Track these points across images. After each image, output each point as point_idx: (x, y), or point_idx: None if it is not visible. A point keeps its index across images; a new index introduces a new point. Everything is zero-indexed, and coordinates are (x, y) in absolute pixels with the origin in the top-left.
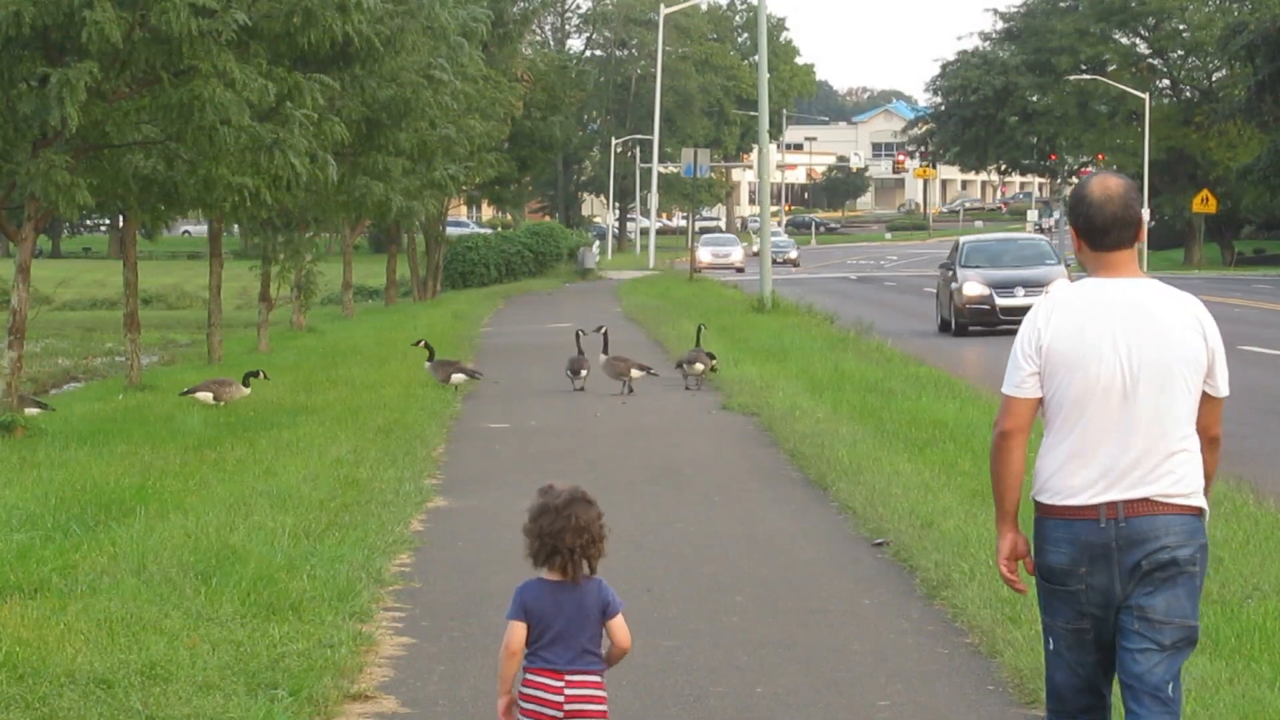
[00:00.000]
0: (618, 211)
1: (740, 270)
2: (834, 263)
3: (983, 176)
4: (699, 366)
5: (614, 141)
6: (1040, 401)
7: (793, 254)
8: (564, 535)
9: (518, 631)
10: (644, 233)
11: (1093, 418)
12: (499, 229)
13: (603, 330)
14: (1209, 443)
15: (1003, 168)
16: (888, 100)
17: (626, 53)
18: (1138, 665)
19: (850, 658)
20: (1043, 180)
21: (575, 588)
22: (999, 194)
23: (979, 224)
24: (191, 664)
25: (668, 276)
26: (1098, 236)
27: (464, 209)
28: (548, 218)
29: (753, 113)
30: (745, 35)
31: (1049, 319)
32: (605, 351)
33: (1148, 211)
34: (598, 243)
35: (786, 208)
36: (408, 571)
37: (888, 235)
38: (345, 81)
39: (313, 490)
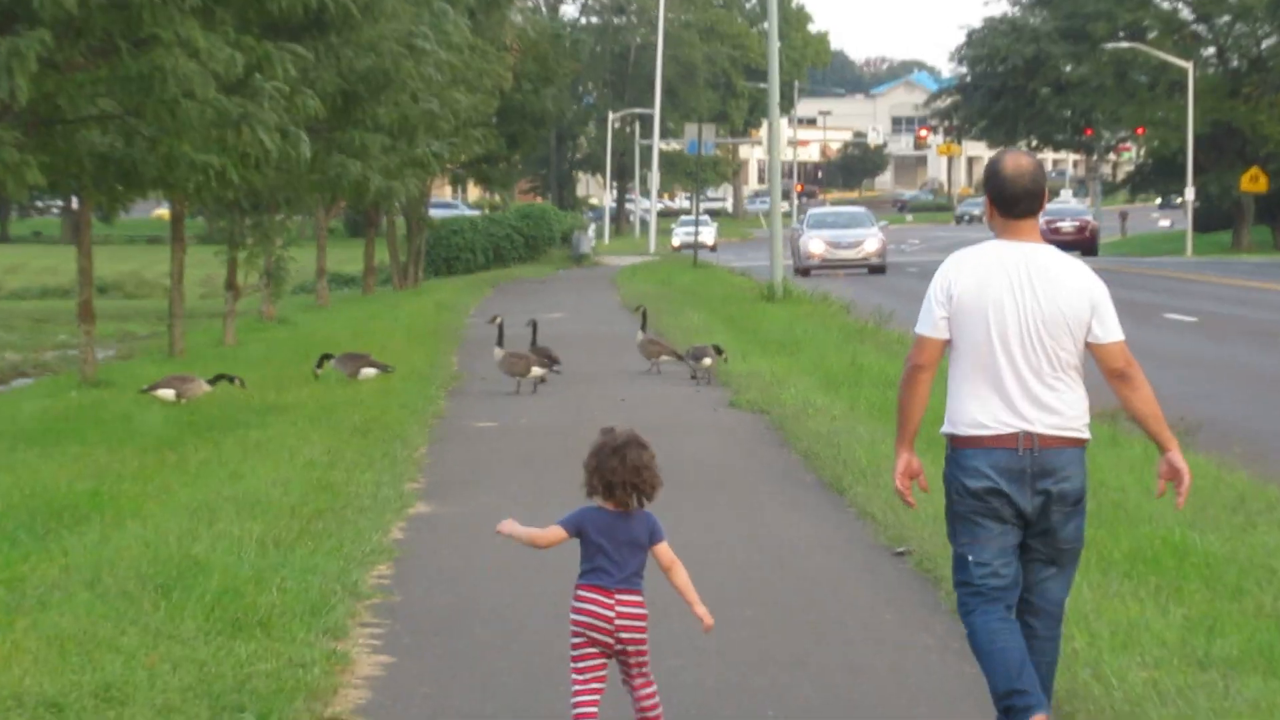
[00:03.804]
0: (615, 192)
1: (879, 269)
2: None
3: None
4: (707, 361)
5: (611, 116)
6: (947, 343)
7: (708, 238)
8: (618, 472)
9: (556, 533)
10: (645, 215)
11: (997, 360)
12: (486, 211)
13: (498, 321)
14: (1119, 378)
15: (1034, 143)
16: (909, 71)
17: (625, 19)
18: (1044, 585)
19: (869, 677)
20: (1078, 157)
21: (628, 517)
22: None
23: None
24: (150, 685)
25: (669, 262)
26: (1009, 205)
27: (448, 189)
28: (539, 199)
29: (762, 84)
30: (753, 0)
31: (959, 272)
32: (500, 344)
33: (1192, 191)
34: (593, 226)
35: (798, 187)
36: (387, 584)
37: (908, 218)
38: (319, 51)
39: (283, 495)
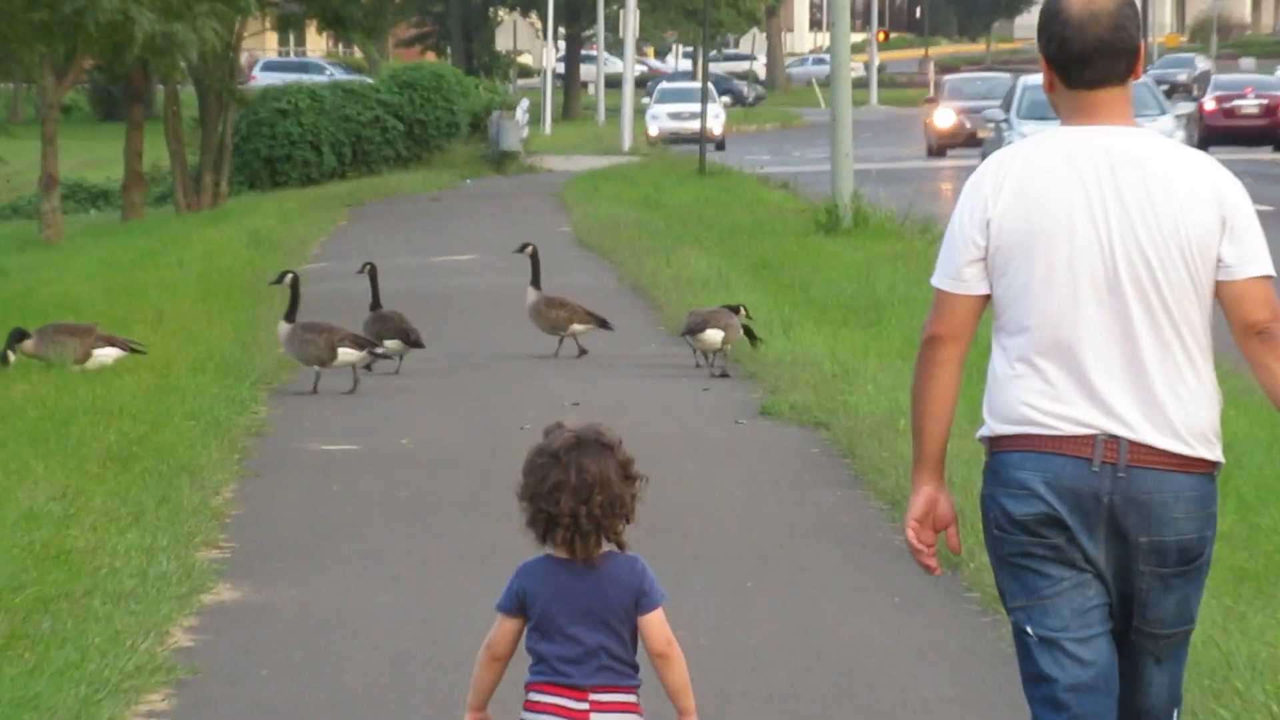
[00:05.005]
0: (563, 46)
1: None
2: None
3: None
4: (713, 335)
5: None
6: (984, 301)
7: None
8: (562, 494)
9: (504, 630)
10: (611, 84)
11: (1064, 319)
12: (338, 76)
13: (289, 278)
14: (1259, 336)
15: None
16: None
17: None
18: (1139, 689)
19: None
20: None
21: (592, 568)
22: None
23: (1246, 62)
24: None
25: (656, 165)
26: (1075, 68)
27: (273, 39)
28: (431, 56)
29: None
30: None
31: (1001, 181)
32: (290, 318)
33: None
34: (525, 103)
35: (881, 35)
36: None
37: None
38: None
39: None
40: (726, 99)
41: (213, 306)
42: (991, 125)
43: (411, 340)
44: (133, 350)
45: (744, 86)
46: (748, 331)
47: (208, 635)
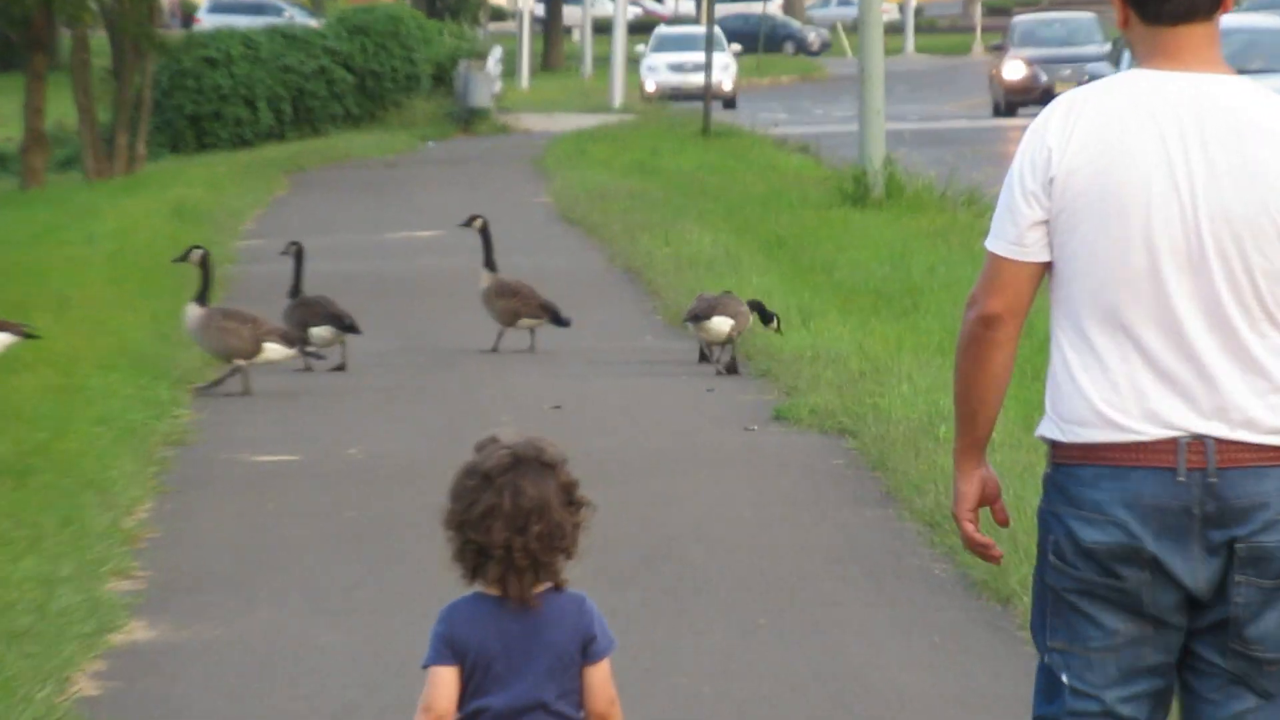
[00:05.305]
0: None
1: None
2: None
3: None
4: (720, 324)
5: None
6: (1044, 269)
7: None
8: (494, 522)
9: (441, 684)
10: (599, 30)
11: (1139, 300)
12: (298, 20)
13: (197, 254)
14: None
15: None
16: None
17: None
18: None
19: None
20: None
21: (531, 609)
22: None
23: None
24: None
25: (654, 125)
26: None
27: None
28: None
29: None
30: None
31: (1069, 132)
32: (202, 301)
33: None
34: (499, 52)
35: None
36: None
37: None
38: None
39: None
40: (789, 47)
41: (127, 291)
42: None
43: (345, 325)
44: (26, 336)
45: (810, 32)
46: (763, 313)
47: (118, 682)
